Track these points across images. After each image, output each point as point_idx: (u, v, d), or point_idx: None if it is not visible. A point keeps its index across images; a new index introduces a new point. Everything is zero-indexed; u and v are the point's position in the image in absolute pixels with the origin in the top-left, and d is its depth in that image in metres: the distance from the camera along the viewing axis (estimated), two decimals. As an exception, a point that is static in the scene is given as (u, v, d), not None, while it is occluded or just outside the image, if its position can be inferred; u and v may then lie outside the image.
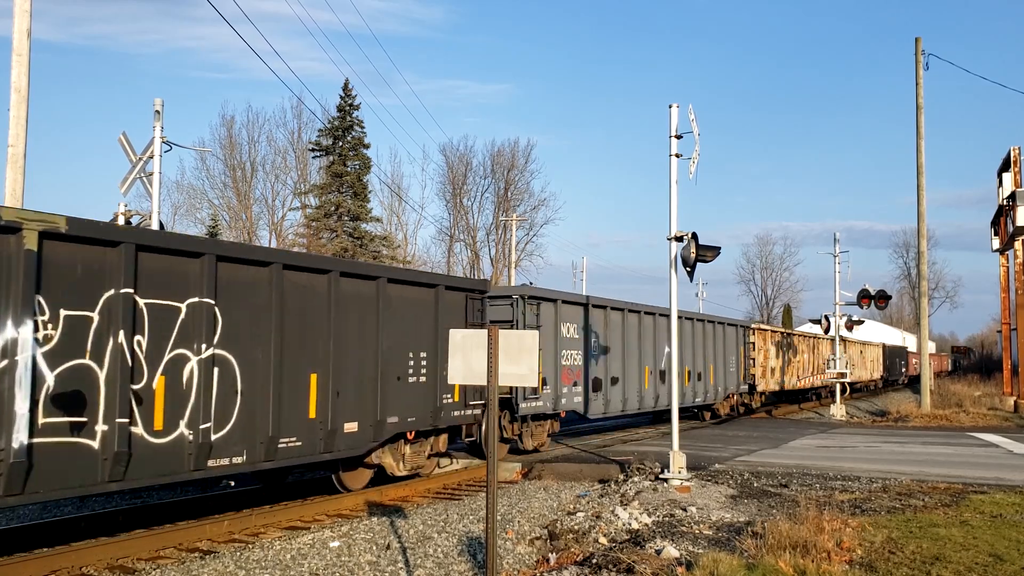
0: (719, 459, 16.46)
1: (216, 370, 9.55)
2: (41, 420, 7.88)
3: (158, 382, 8.92)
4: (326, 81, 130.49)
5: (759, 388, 30.19)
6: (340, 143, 50.10)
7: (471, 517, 11.01)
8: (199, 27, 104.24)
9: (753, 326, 30.31)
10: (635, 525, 10.44)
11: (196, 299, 9.37)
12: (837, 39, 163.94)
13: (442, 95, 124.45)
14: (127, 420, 8.54)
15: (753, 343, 29.80)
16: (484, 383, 6.70)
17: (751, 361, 29.59)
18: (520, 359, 6.67)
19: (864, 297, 31.04)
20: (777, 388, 32.81)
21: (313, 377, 10.92)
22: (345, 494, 12.68)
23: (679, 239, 13.91)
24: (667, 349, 20.92)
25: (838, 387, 33.35)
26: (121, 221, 20.40)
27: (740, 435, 22.59)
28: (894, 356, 61.34)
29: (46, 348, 7.94)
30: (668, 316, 16.42)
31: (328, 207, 49.45)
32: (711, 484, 13.44)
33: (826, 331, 35.03)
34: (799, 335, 36.74)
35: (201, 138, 67.82)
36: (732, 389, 27.68)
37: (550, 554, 9.53)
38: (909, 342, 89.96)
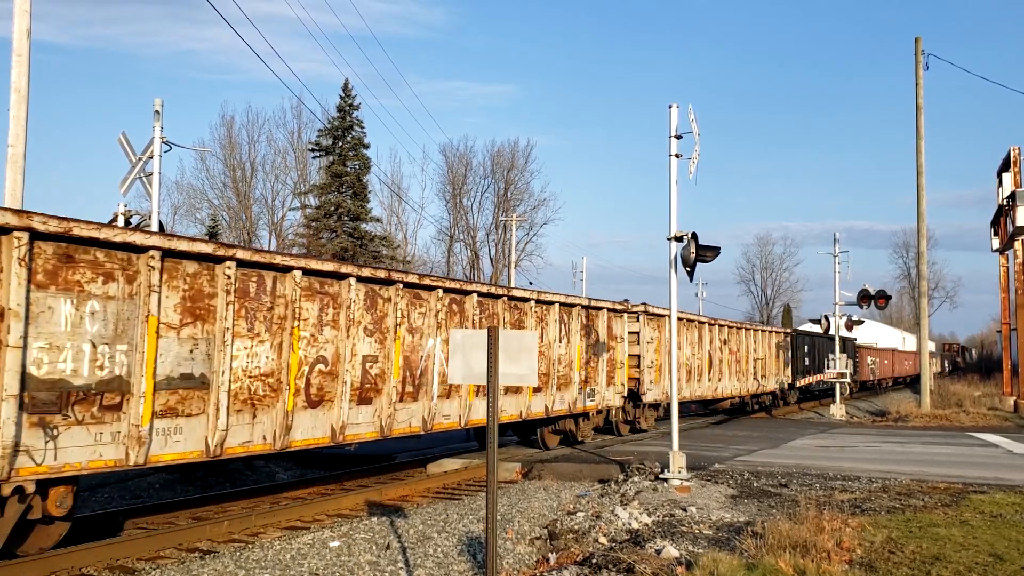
0: (719, 459, 16.46)
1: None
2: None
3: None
4: (327, 82, 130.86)
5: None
6: (340, 143, 50.08)
7: (471, 517, 11.01)
8: (201, 29, 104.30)
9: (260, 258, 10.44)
10: (635, 525, 10.44)
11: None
12: (837, 39, 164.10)
13: (443, 96, 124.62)
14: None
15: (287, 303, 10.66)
16: (484, 382, 6.70)
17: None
18: (520, 359, 6.67)
19: (864, 297, 31.06)
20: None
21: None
22: (344, 494, 12.76)
23: (679, 239, 13.90)
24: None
25: (838, 387, 33.33)
26: (121, 221, 20.42)
27: (740, 435, 22.59)
28: (829, 353, 39.23)
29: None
30: None
31: (328, 207, 49.43)
32: (711, 484, 13.43)
33: (826, 331, 34.72)
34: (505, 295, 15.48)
35: (201, 138, 67.79)
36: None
37: (550, 554, 9.52)
38: (909, 342, 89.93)
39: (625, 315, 20.17)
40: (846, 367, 34.97)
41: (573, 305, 17.69)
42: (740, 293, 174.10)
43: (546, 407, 16.72)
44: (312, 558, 8.95)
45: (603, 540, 9.85)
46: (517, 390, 15.61)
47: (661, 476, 13.58)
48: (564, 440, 18.46)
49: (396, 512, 11.33)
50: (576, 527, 10.44)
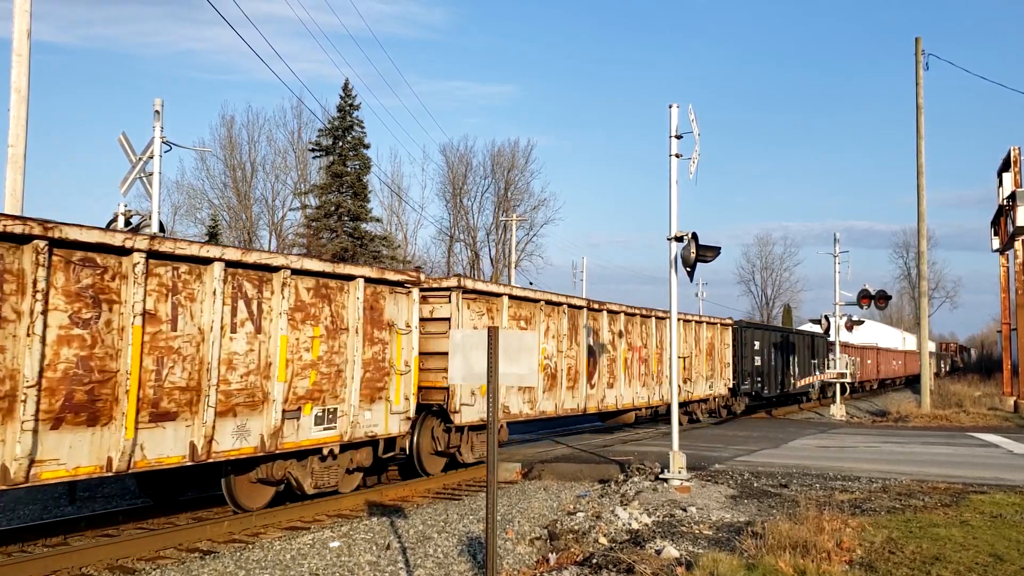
0: (719, 459, 16.46)
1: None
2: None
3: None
4: (327, 83, 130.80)
5: None
6: (340, 143, 50.09)
7: (471, 517, 11.01)
8: (201, 29, 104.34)
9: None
10: (635, 525, 10.44)
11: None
12: (837, 39, 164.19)
13: (443, 96, 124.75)
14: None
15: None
16: (484, 382, 6.70)
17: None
18: (520, 359, 6.67)
19: (864, 297, 31.05)
20: None
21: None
22: (344, 495, 12.72)
23: (679, 239, 13.90)
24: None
25: (838, 387, 33.33)
26: (121, 221, 20.42)
27: (740, 435, 22.59)
28: (790, 351, 33.21)
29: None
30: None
31: (328, 207, 49.44)
32: (711, 484, 13.43)
33: (826, 331, 34.66)
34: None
35: (201, 138, 67.87)
36: None
37: (550, 554, 9.52)
38: (910, 342, 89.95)
39: (415, 291, 13.07)
40: (846, 367, 34.84)
41: (273, 268, 10.38)
42: (740, 293, 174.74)
43: (193, 446, 9.34)
44: (312, 558, 8.95)
45: (603, 540, 9.85)
46: (95, 419, 8.31)
47: (661, 476, 13.58)
48: (287, 494, 11.85)
49: (396, 512, 11.33)
50: (576, 527, 10.44)
